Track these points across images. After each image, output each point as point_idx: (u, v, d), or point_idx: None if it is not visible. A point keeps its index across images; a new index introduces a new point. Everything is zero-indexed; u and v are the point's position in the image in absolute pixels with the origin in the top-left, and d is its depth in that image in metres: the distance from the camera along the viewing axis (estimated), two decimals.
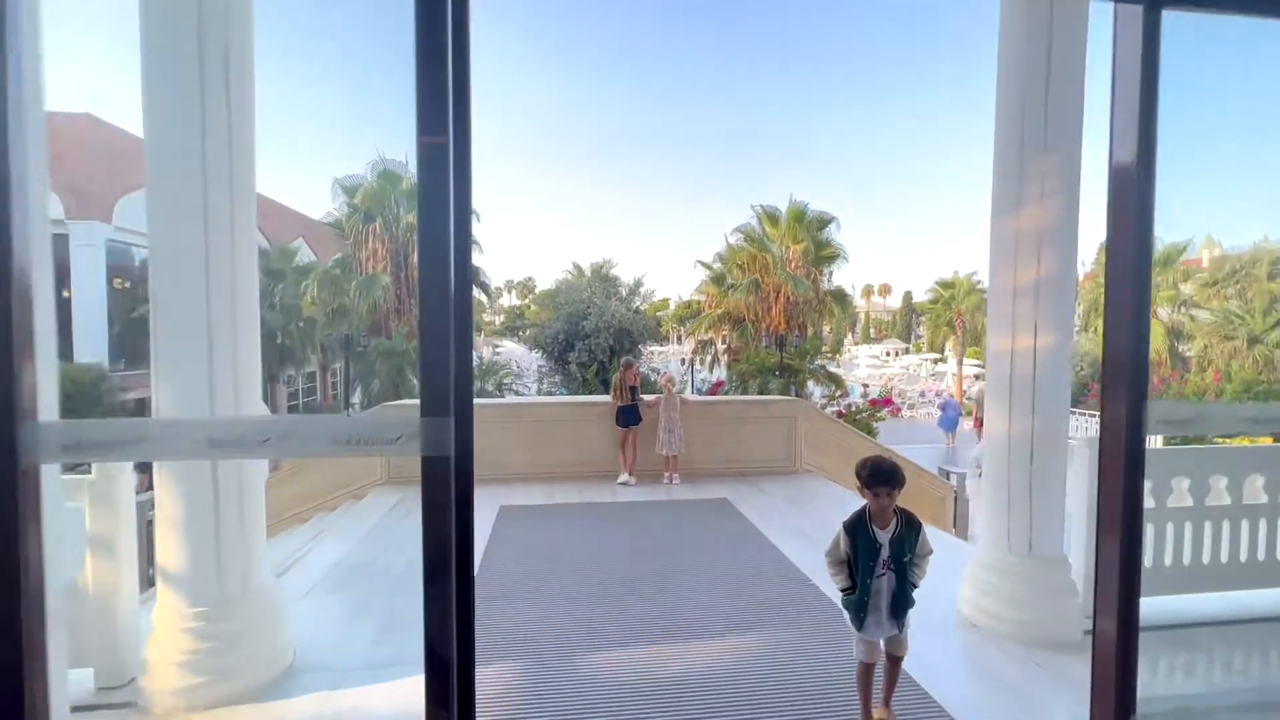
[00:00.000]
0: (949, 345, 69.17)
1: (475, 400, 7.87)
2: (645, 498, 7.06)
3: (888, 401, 15.71)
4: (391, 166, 17.07)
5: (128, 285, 21.29)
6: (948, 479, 11.20)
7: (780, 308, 19.08)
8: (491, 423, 7.77)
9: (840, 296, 20.35)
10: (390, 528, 5.99)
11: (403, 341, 15.55)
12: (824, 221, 19.43)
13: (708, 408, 8.20)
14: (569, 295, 16.71)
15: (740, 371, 16.58)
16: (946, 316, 38.15)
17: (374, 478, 7.58)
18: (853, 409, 16.32)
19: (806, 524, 6.11)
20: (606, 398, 7.98)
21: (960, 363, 37.73)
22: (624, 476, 7.60)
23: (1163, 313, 24.10)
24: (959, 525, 10.08)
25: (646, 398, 8.01)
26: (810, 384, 16.54)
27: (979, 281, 37.31)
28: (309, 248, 28.40)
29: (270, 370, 24.68)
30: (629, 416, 7.66)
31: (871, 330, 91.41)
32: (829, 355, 17.12)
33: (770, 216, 19.74)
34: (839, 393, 17.39)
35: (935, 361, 58.01)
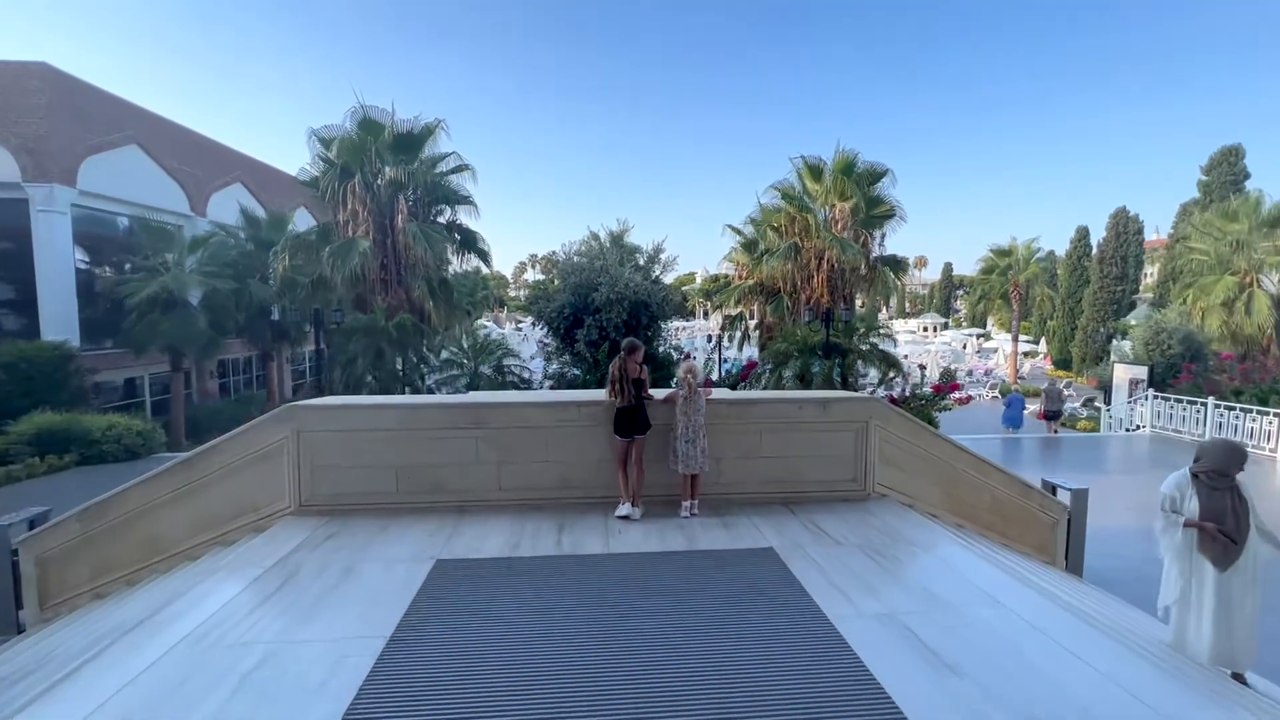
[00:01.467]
0: (991, 320, 65.21)
1: (412, 399, 5.38)
2: (653, 545, 4.83)
3: (954, 387, 13.15)
4: (373, 114, 14.79)
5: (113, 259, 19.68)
6: (1052, 494, 8.61)
7: (823, 277, 16.43)
8: (438, 430, 5.60)
9: (894, 263, 17.53)
10: (255, 600, 3.88)
11: (382, 317, 13.45)
12: (877, 174, 16.50)
13: (743, 409, 5.88)
14: (575, 264, 14.43)
15: (776, 351, 14.15)
16: (1001, 288, 34.69)
17: (282, 504, 5.50)
18: (908, 396, 13.81)
19: (908, 605, 3.81)
20: (600, 394, 5.73)
21: (1015, 339, 34.42)
22: (624, 508, 5.38)
23: (1269, 281, 20.69)
24: (1071, 561, 7.63)
25: (657, 393, 5.75)
26: (859, 366, 14.05)
27: (1040, 249, 33.73)
28: (312, 216, 26.55)
29: (264, 348, 23.06)
30: (632, 422, 5.41)
31: (906, 304, 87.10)
32: (883, 332, 14.59)
33: (813, 169, 16.89)
34: (891, 375, 14.84)
35: (980, 338, 54.43)
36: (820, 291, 16.28)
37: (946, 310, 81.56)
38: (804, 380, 12.95)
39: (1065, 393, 26.82)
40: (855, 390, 14.02)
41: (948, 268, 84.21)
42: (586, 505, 5.63)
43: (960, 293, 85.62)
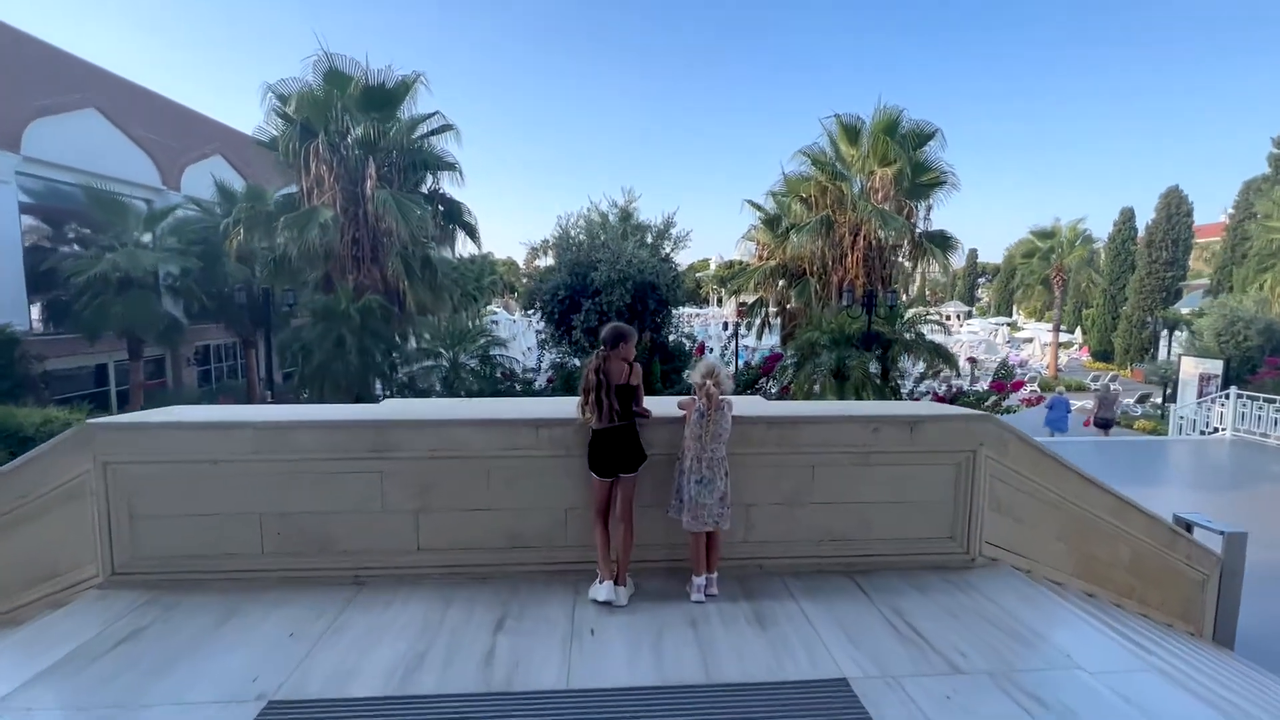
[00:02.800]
0: (1017, 309, 62.16)
1: (278, 413, 3.34)
2: (643, 671, 2.90)
3: (1019, 385, 11.01)
4: (339, 64, 12.79)
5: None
6: (1188, 531, 6.42)
7: (858, 256, 14.26)
8: (323, 461, 3.69)
9: (943, 240, 15.26)
10: None
11: (345, 299, 11.53)
12: (924, 135, 14.19)
13: (787, 430, 3.90)
14: (571, 240, 12.44)
15: (805, 341, 12.09)
16: (1041, 273, 32.14)
17: (88, 570, 3.65)
18: (955, 395, 11.72)
19: None
20: (569, 407, 3.79)
21: (1057, 328, 31.96)
22: (603, 588, 3.45)
23: None
24: (1221, 630, 5.56)
25: (659, 403, 3.82)
26: (904, 359, 11.96)
27: (1087, 229, 31.07)
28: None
29: (244, 334, 21.40)
30: (616, 453, 3.49)
31: (927, 291, 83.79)
32: (932, 318, 12.45)
33: (848, 130, 14.60)
34: (938, 367, 12.70)
35: (1009, 327, 51.74)
36: (855, 272, 14.13)
37: (970, 299, 78.50)
38: (839, 376, 10.93)
39: (1117, 390, 24.36)
40: (897, 389, 11.95)
41: (972, 254, 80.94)
42: (547, 575, 3.72)
43: (983, 280, 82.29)
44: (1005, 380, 11.45)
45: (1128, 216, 37.65)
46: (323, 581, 3.66)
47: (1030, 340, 41.74)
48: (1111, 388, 26.48)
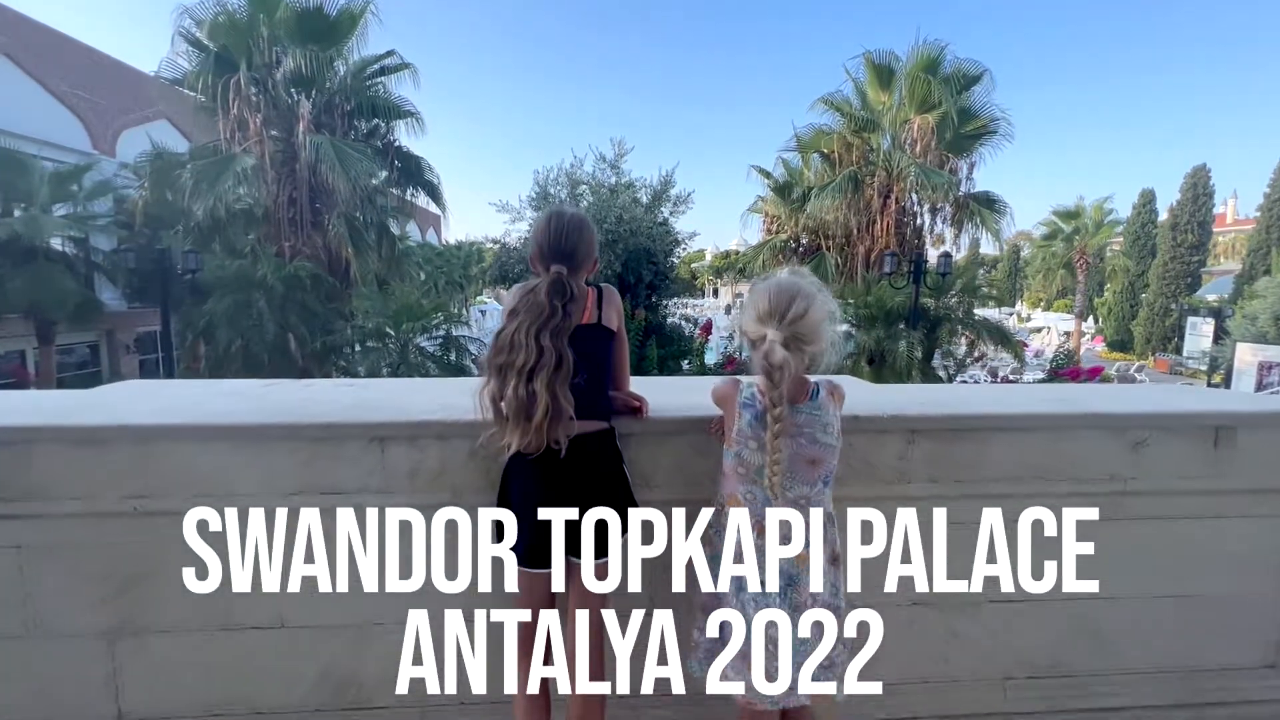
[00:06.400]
0: (1022, 300, 60.34)
1: None
2: None
3: (1095, 371, 8.99)
4: None
5: None
6: None
7: (889, 222, 12.12)
8: None
9: (989, 203, 13.00)
10: None
11: (267, 264, 9.27)
12: (969, 77, 11.86)
13: (949, 449, 1.79)
14: (549, 199, 10.31)
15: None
16: (1064, 257, 30.17)
17: None
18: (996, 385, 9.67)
19: None
20: (461, 397, 1.66)
21: (1080, 316, 30.08)
22: None
23: None
24: None
25: (654, 384, 1.71)
26: (957, 342, 9.92)
27: (1113, 210, 29.09)
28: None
29: (185, 316, 19.14)
30: (567, 502, 1.39)
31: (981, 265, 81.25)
32: (989, 292, 10.48)
33: (880, 72, 12.26)
34: (981, 351, 10.67)
35: (1018, 317, 49.95)
36: (885, 241, 12.02)
37: (973, 289, 76.54)
38: (877, 363, 8.88)
39: (1143, 381, 22.60)
40: (947, 373, 9.90)
41: (975, 243, 79.07)
42: None
43: (982, 272, 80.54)
44: (1073, 366, 9.41)
45: (1148, 199, 35.71)
46: None
47: (1040, 330, 39.88)
48: (1137, 378, 24.71)
